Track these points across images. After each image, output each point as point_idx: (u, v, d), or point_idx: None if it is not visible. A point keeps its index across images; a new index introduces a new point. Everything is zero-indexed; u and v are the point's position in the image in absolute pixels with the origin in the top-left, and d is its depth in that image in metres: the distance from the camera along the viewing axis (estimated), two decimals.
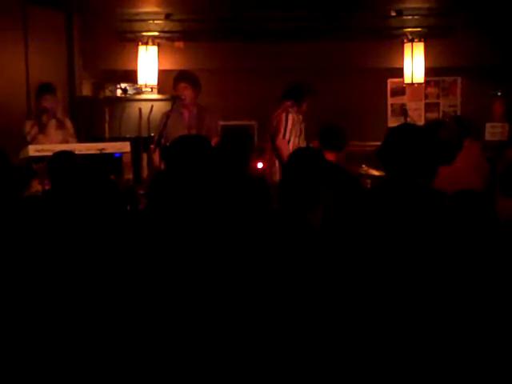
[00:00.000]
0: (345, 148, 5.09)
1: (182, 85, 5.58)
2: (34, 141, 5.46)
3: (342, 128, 5.17)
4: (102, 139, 6.36)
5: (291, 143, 5.89)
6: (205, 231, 2.64)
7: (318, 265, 2.44)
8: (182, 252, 2.57)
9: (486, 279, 2.34)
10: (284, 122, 5.87)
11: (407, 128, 2.94)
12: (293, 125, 5.91)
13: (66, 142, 5.65)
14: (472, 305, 2.29)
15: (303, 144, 6.00)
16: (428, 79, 7.78)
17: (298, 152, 3.27)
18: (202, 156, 3.07)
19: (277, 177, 5.78)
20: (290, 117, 5.89)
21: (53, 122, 5.73)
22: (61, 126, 5.74)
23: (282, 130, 5.87)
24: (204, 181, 2.96)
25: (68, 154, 4.09)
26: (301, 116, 6.03)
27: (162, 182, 3.00)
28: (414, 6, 7.61)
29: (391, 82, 7.99)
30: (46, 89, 5.74)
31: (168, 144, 5.20)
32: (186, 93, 5.57)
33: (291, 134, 5.91)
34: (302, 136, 6.07)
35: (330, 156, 4.79)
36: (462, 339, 2.23)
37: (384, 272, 2.41)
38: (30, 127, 5.61)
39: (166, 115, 5.41)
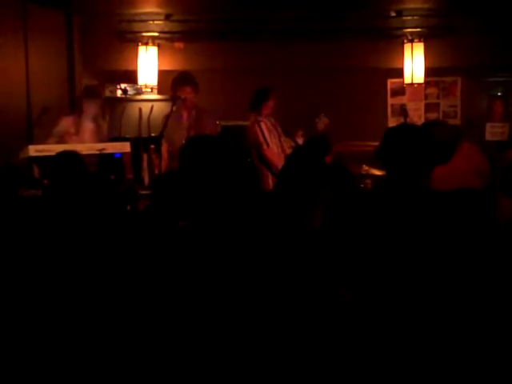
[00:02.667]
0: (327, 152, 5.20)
1: (188, 88, 5.61)
2: (65, 137, 5.49)
3: (322, 137, 5.30)
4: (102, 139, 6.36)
5: (275, 148, 5.97)
6: (213, 232, 2.64)
7: (319, 266, 2.44)
8: (187, 252, 2.57)
9: (486, 279, 2.34)
10: (260, 133, 5.96)
11: (405, 128, 2.94)
12: (269, 131, 5.98)
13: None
14: (474, 304, 2.28)
15: (286, 144, 6.04)
16: (428, 79, 7.78)
17: (295, 154, 3.27)
18: (221, 156, 3.01)
19: (270, 187, 5.80)
20: (263, 125, 5.98)
21: (89, 126, 5.75)
22: (97, 130, 5.77)
23: (263, 141, 5.94)
24: (220, 181, 2.92)
25: (72, 155, 4.07)
26: (272, 119, 6.08)
27: (173, 183, 3.00)
28: (413, 6, 7.60)
29: (391, 82, 7.98)
30: (88, 93, 5.79)
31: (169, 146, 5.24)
32: (189, 96, 5.60)
33: (271, 141, 5.98)
34: (283, 137, 6.11)
35: None
36: (461, 338, 2.23)
37: (385, 272, 2.41)
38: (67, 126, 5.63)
39: (167, 116, 5.42)
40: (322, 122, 6.20)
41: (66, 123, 5.68)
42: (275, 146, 5.94)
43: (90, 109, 5.72)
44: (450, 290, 2.33)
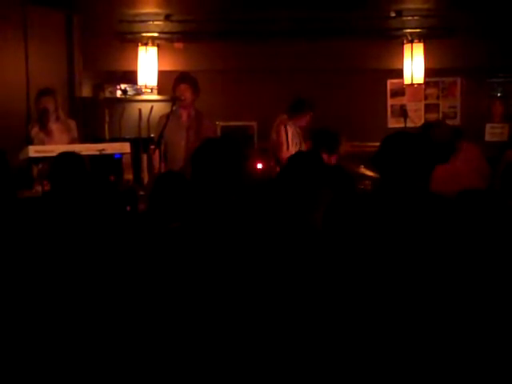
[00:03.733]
0: (336, 151, 5.21)
1: (183, 86, 5.60)
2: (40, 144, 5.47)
3: (335, 132, 5.30)
4: (101, 140, 6.37)
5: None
6: (222, 232, 2.63)
7: (320, 267, 2.44)
8: (179, 254, 2.57)
9: (492, 281, 2.33)
10: (284, 135, 6.01)
11: (401, 136, 2.91)
12: (293, 135, 6.00)
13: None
14: (476, 305, 2.28)
15: None
16: (428, 80, 7.78)
17: (296, 155, 3.27)
18: (231, 158, 2.98)
19: None
20: (289, 128, 6.01)
21: (57, 125, 5.73)
22: (65, 128, 5.75)
23: (285, 143, 5.98)
24: (228, 182, 2.91)
25: (73, 156, 4.06)
26: (298, 129, 6.10)
27: (173, 183, 2.99)
28: (413, 6, 7.62)
29: (391, 83, 7.98)
30: (43, 92, 5.75)
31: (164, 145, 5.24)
32: (186, 94, 5.58)
33: (293, 145, 5.99)
34: (303, 146, 6.13)
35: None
36: (468, 342, 2.23)
37: (386, 274, 2.41)
38: (34, 133, 5.61)
39: (166, 116, 5.42)
40: (343, 147, 6.27)
41: (34, 132, 5.65)
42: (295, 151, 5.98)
43: (47, 106, 5.70)
44: (454, 290, 2.32)
